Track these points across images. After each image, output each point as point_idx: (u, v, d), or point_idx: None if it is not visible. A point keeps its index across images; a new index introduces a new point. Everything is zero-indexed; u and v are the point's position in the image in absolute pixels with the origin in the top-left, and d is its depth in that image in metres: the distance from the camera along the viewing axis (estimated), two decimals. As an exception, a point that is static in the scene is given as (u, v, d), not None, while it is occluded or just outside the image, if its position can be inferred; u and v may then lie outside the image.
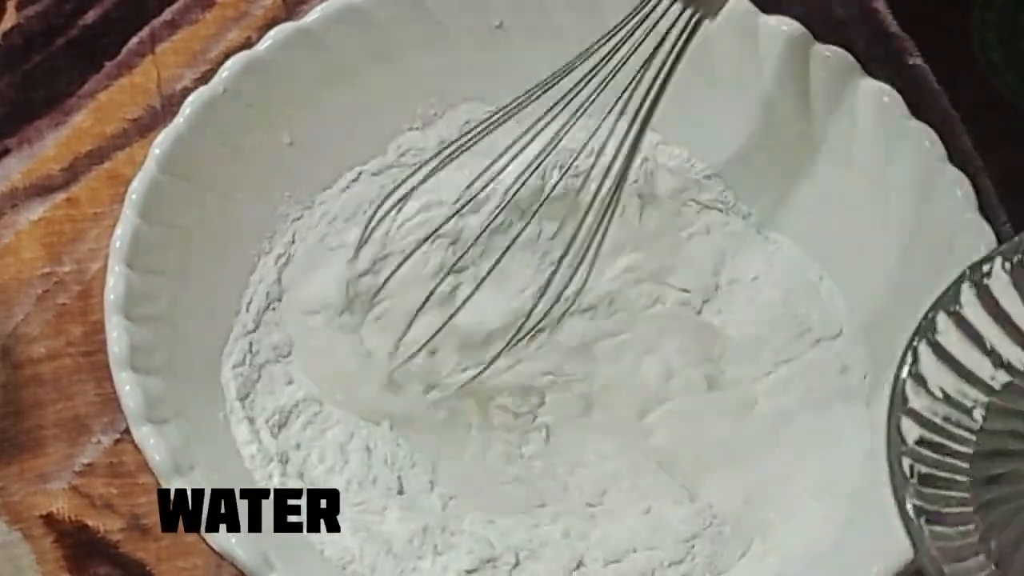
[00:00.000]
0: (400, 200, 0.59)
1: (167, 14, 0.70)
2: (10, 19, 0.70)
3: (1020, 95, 0.67)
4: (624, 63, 0.54)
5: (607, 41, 0.54)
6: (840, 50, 0.60)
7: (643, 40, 0.53)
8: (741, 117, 0.61)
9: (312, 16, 0.61)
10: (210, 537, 0.51)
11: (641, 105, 0.54)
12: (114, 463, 0.60)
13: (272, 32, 0.60)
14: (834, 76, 0.59)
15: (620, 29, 0.54)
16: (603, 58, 0.54)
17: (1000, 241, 0.56)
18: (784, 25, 0.60)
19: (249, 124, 0.60)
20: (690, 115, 0.60)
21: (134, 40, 0.70)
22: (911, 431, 0.39)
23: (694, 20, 0.53)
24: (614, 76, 0.54)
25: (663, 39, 0.53)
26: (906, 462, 0.38)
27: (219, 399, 0.58)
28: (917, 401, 0.40)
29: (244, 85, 0.59)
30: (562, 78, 0.55)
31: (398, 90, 0.63)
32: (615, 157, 0.55)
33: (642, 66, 0.53)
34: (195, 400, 0.56)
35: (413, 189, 0.58)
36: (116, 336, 0.54)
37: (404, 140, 0.63)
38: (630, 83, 0.54)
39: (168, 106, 0.67)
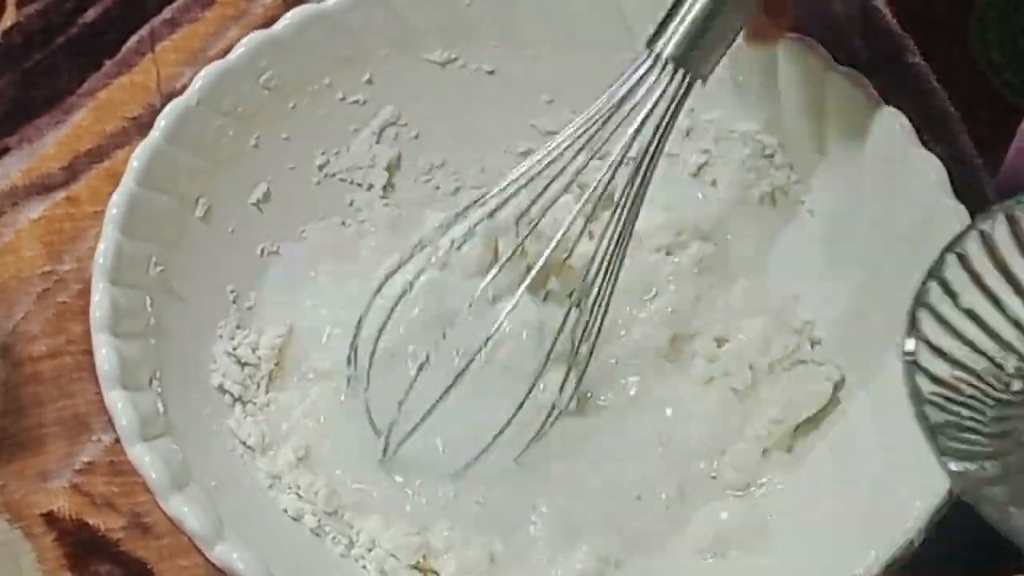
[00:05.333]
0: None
1: (167, 12, 0.70)
2: (10, 17, 0.70)
3: (1020, 95, 0.68)
4: (616, 127, 0.54)
5: (604, 107, 0.54)
6: (809, 40, 0.59)
7: (635, 106, 0.54)
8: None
9: (281, 23, 0.61)
10: (210, 553, 0.51)
11: (639, 169, 0.55)
12: (114, 461, 0.60)
13: (244, 40, 0.60)
14: (803, 64, 0.59)
15: (615, 95, 0.54)
16: (597, 123, 0.54)
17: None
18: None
19: (224, 133, 0.60)
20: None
21: (134, 38, 0.70)
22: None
23: (686, 83, 0.54)
24: (605, 141, 0.54)
25: (655, 105, 0.54)
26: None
27: (211, 408, 0.58)
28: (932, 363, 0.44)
29: (217, 94, 0.59)
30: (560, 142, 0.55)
31: (369, 94, 0.63)
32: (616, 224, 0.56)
33: (635, 132, 0.54)
34: (187, 411, 0.56)
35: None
36: (104, 354, 0.54)
37: (380, 147, 0.64)
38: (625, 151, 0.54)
39: (169, 103, 0.67)
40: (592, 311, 0.57)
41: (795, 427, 0.59)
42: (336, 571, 0.56)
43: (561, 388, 0.57)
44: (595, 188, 0.55)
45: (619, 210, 0.55)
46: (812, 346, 0.61)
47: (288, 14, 0.61)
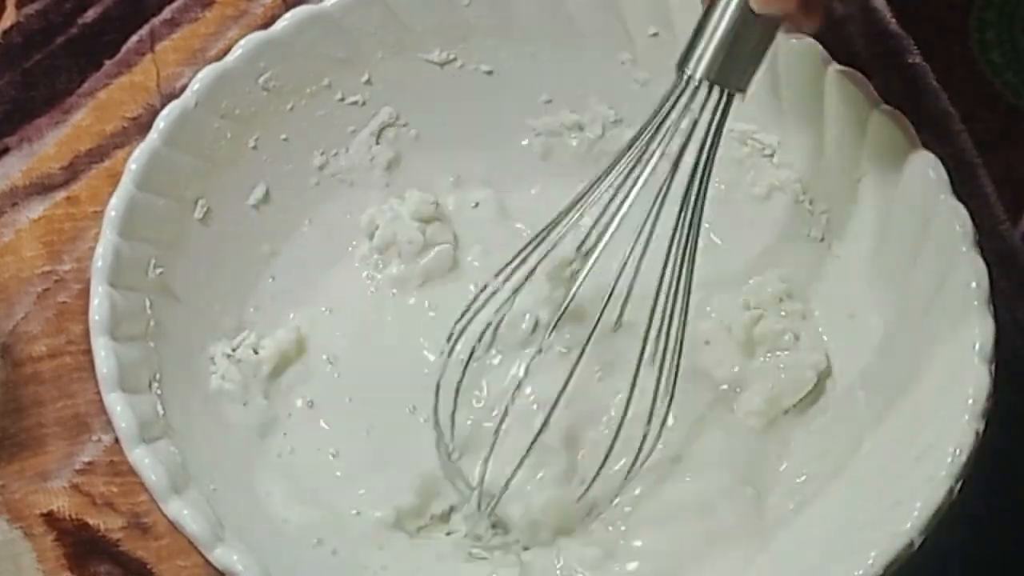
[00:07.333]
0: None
1: (167, 12, 0.70)
2: (10, 17, 0.70)
3: (1020, 95, 0.67)
4: (663, 147, 0.54)
5: (648, 129, 0.54)
6: (809, 40, 0.59)
7: (678, 124, 0.53)
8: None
9: (279, 25, 0.61)
10: (210, 555, 0.51)
11: (690, 190, 0.54)
12: (115, 461, 0.60)
13: (242, 41, 0.60)
14: (803, 64, 0.59)
15: (656, 116, 0.54)
16: (642, 150, 0.54)
17: (979, 232, 0.55)
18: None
19: (223, 135, 0.60)
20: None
21: (134, 39, 0.70)
22: None
23: (725, 98, 0.53)
24: (654, 164, 0.54)
25: (697, 121, 0.53)
26: None
27: (211, 410, 0.58)
28: None
29: (215, 96, 0.59)
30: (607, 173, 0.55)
31: (368, 95, 0.63)
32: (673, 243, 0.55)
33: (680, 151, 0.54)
34: (186, 414, 0.56)
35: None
36: (104, 357, 0.54)
37: (378, 148, 0.64)
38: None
39: (168, 104, 0.67)
40: (664, 342, 0.56)
41: (780, 415, 0.59)
42: (335, 575, 0.56)
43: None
44: (646, 223, 0.54)
45: (676, 241, 0.55)
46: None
47: (286, 15, 0.61)
